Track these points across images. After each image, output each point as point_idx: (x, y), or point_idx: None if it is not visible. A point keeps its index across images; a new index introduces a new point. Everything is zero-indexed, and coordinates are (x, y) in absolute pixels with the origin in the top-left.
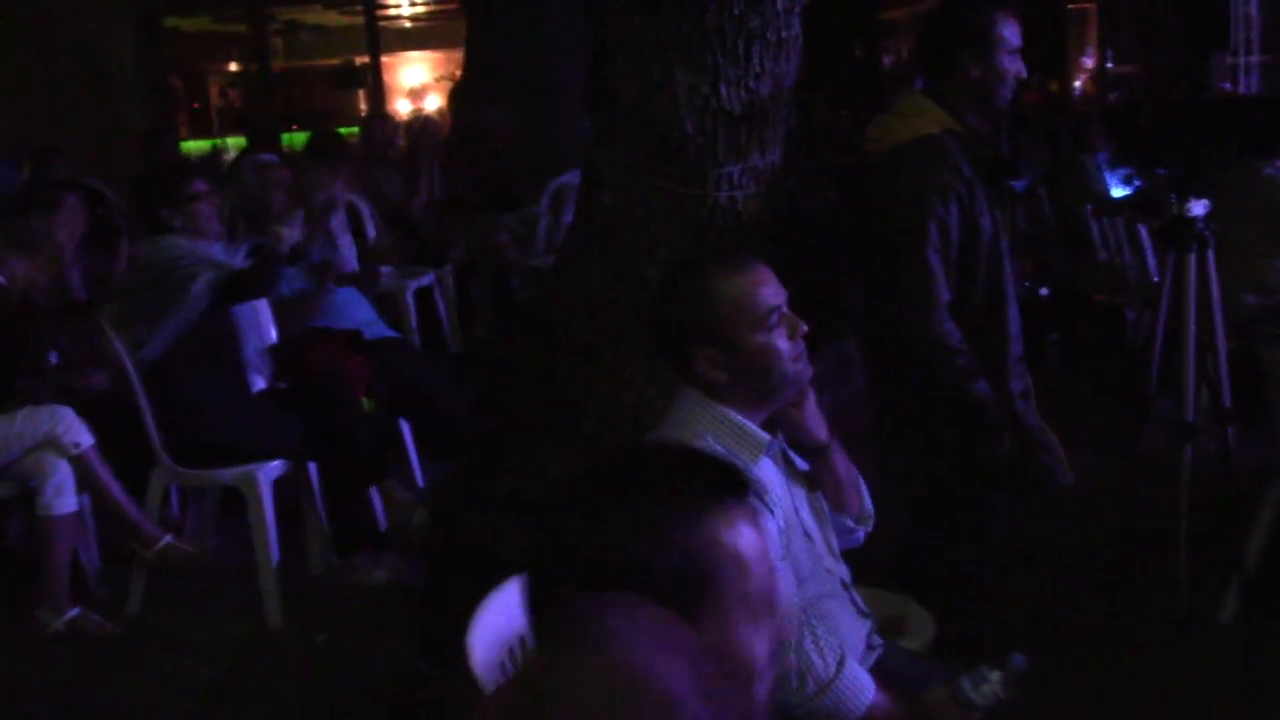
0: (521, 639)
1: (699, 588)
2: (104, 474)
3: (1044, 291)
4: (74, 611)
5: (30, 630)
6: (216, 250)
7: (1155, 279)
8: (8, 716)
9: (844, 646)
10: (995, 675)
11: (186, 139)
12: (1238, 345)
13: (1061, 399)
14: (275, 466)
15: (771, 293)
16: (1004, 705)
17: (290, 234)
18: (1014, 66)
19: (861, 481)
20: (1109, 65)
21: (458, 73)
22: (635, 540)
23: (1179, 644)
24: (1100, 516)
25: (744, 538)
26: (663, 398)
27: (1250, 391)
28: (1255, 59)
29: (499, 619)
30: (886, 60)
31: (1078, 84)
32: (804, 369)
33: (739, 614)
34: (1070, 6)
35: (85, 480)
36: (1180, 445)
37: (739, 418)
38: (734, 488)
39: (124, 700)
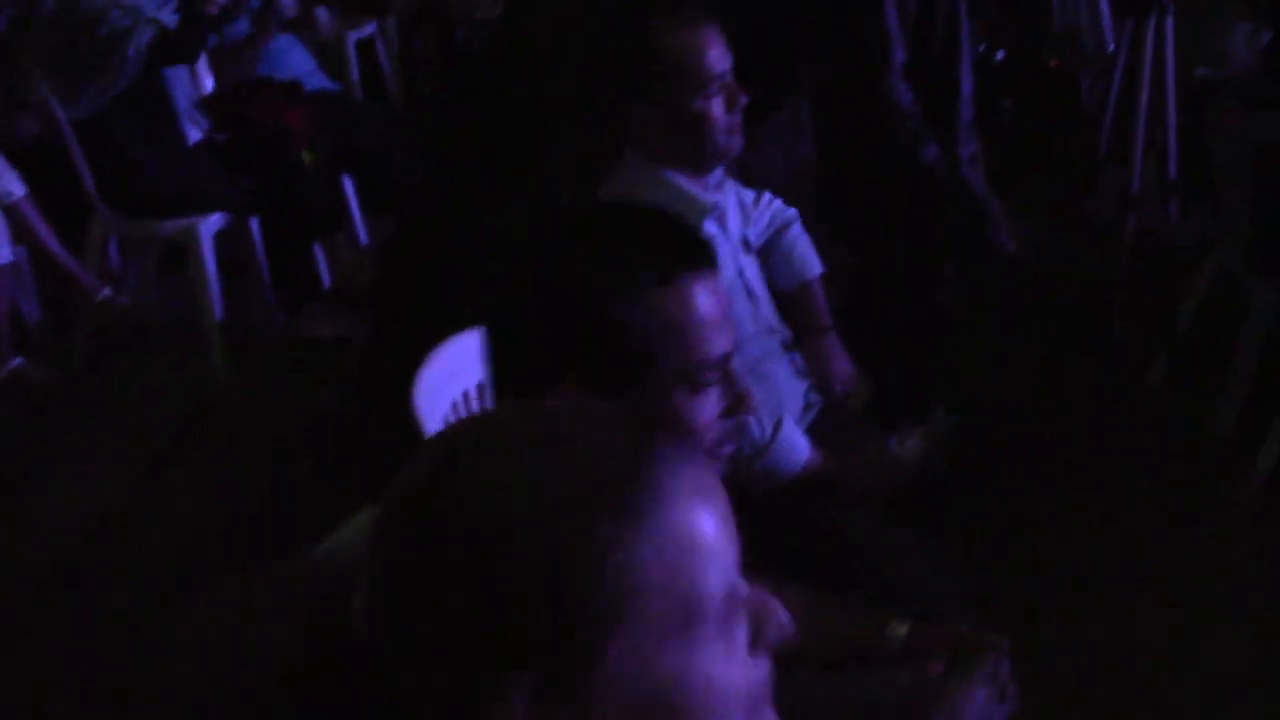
0: (465, 394)
1: (636, 354)
2: (39, 224)
3: (999, 55)
4: (16, 361)
5: None
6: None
7: (1111, 48)
8: None
9: (782, 408)
10: (919, 431)
11: None
12: (1186, 117)
13: (1010, 166)
14: (216, 220)
15: (718, 57)
16: (928, 460)
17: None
18: None
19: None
20: None
21: None
22: (604, 298)
23: (1107, 407)
24: (1042, 284)
25: (698, 305)
26: (610, 158)
27: (1195, 164)
28: None
29: (445, 372)
30: None
31: None
32: (736, 142)
33: (679, 383)
34: None
35: (20, 231)
36: (1124, 215)
37: (683, 181)
38: (696, 253)
39: (72, 450)
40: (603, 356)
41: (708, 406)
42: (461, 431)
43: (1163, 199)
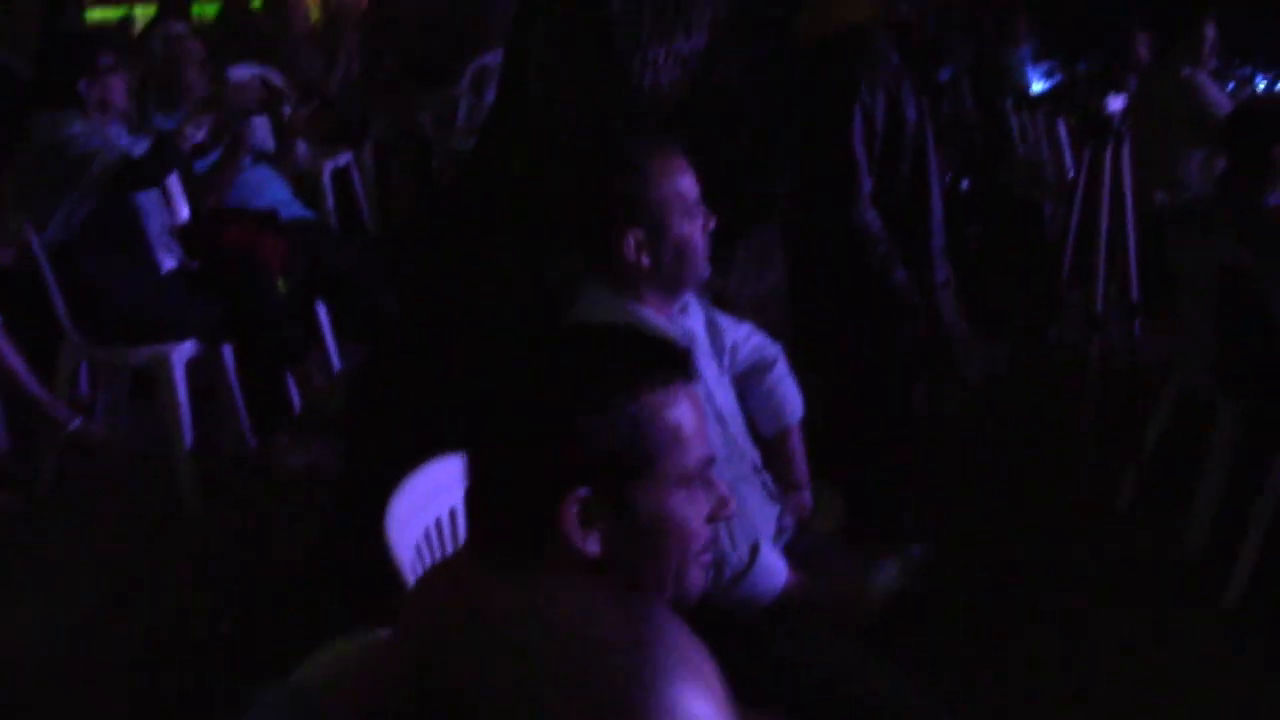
0: (438, 521)
1: (640, 461)
2: (10, 354)
3: (965, 184)
4: None
5: None
6: (119, 131)
7: (1072, 175)
8: None
9: (757, 531)
10: (896, 563)
11: (91, 7)
12: (1146, 241)
13: (979, 290)
14: (188, 347)
15: (693, 183)
16: (905, 592)
17: (195, 135)
18: None
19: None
20: None
21: None
22: (583, 413)
23: (1076, 529)
24: (1010, 406)
25: (684, 412)
26: (580, 287)
27: (1157, 286)
28: None
29: (417, 501)
30: None
31: None
32: (707, 267)
33: (675, 487)
34: None
35: None
36: (1089, 337)
37: (648, 312)
38: (676, 362)
39: (40, 577)
40: (607, 463)
41: (697, 509)
42: None
43: (1126, 321)
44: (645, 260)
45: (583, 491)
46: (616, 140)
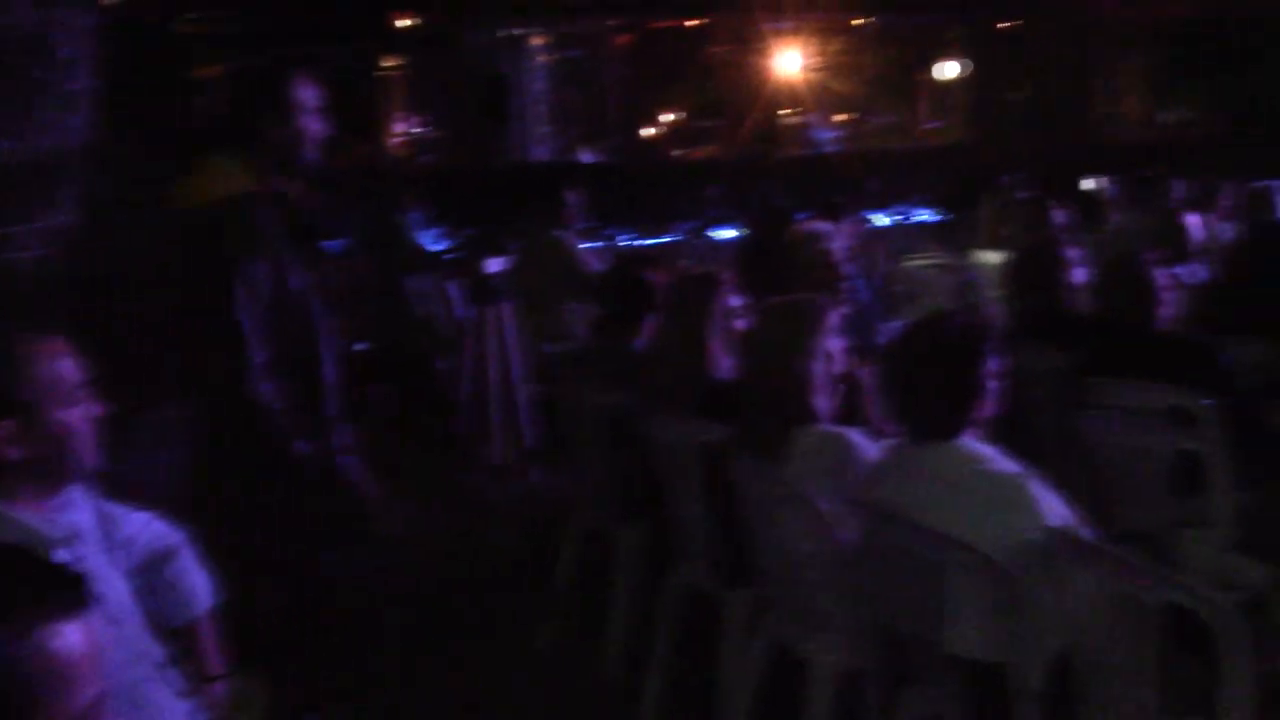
0: None
1: (18, 709)
2: None
3: (360, 346)
4: None
5: None
6: None
7: (463, 332)
8: None
9: None
10: None
11: None
12: (542, 390)
13: (385, 450)
14: None
15: (75, 368)
16: None
17: None
18: (315, 126)
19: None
20: (418, 130)
21: None
22: None
23: (504, 668)
24: (431, 557)
25: (74, 648)
26: None
27: (551, 430)
28: (544, 129)
29: None
30: (199, 118)
31: (390, 147)
32: (94, 456)
33: None
34: (377, 74)
35: None
36: (494, 484)
37: (20, 511)
38: (66, 590)
39: None
40: None
41: None
42: None
43: (522, 466)
44: (15, 454)
45: None
46: None
